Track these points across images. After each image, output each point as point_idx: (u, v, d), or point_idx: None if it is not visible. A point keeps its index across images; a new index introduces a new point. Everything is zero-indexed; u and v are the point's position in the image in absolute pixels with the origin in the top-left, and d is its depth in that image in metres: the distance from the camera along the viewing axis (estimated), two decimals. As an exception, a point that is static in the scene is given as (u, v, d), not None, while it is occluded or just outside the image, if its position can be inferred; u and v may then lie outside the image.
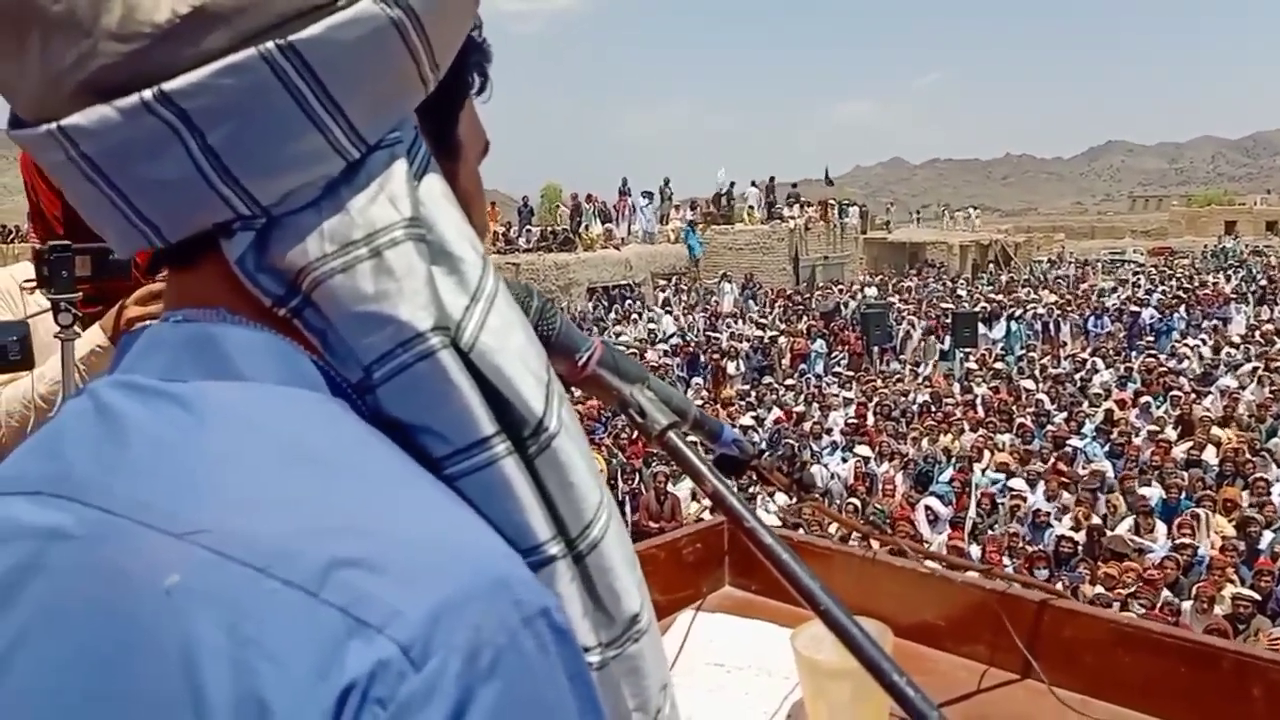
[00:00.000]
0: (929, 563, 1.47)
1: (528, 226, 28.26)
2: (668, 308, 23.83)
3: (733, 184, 31.88)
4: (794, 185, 33.51)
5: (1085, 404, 13.45)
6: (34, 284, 2.39)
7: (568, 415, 0.58)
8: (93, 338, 2.25)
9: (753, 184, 32.30)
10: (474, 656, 0.43)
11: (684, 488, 10.04)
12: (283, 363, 0.53)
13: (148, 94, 0.49)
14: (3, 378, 2.42)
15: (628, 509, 10.32)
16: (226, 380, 0.53)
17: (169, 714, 0.44)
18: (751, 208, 30.92)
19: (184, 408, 0.51)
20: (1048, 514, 9.66)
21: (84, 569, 0.49)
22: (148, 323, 0.58)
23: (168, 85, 0.49)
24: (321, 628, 0.43)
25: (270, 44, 0.49)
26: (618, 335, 20.75)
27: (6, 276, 2.59)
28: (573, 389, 1.01)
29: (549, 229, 27.91)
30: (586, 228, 27.79)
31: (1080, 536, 9.19)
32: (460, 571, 0.46)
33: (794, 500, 1.17)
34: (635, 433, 0.96)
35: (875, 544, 1.52)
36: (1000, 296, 23.56)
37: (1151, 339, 19.08)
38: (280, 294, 0.53)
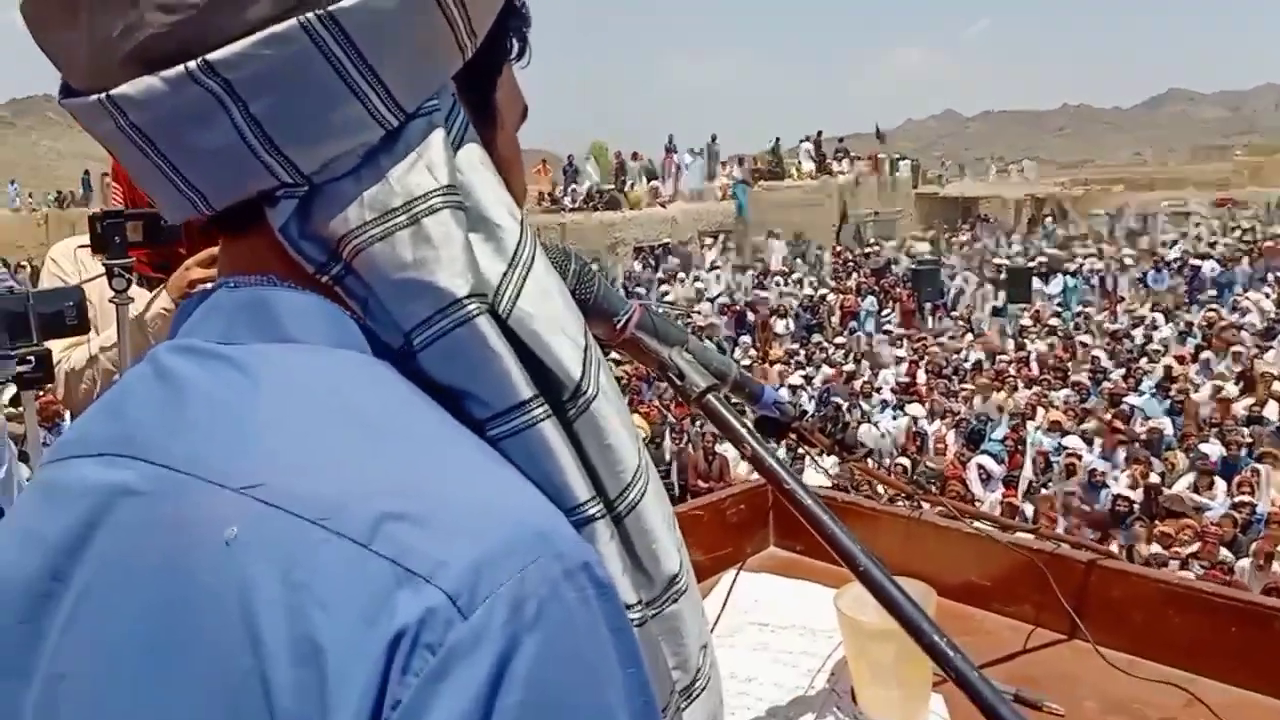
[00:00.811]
0: (976, 523, 1.46)
1: (573, 186, 28.17)
2: (715, 268, 23.68)
3: (778, 139, 31.49)
4: (840, 140, 32.89)
5: (1144, 360, 13.18)
6: (89, 248, 2.45)
7: (606, 380, 0.59)
8: (161, 302, 2.31)
9: (805, 138, 31.88)
10: (519, 606, 0.45)
11: (731, 448, 10.04)
12: (332, 325, 0.55)
13: (192, 64, 0.50)
14: (65, 342, 2.49)
15: (674, 469, 10.36)
16: (279, 343, 0.55)
17: (228, 657, 0.46)
18: (799, 163, 30.54)
19: (239, 370, 0.54)
20: (1103, 473, 9.51)
21: (149, 523, 0.52)
22: (207, 286, 0.60)
23: (212, 56, 0.50)
24: (372, 577, 0.45)
25: (310, 14, 0.50)
26: (664, 294, 20.67)
27: (66, 245, 2.66)
28: (614, 352, 1.02)
29: (596, 188, 27.80)
30: (632, 186, 27.65)
31: (1137, 495, 9.06)
32: (503, 526, 0.47)
33: (838, 461, 1.16)
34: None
35: (923, 504, 1.51)
36: (1056, 251, 23.07)
37: (1213, 293, 18.60)
38: (323, 261, 0.55)
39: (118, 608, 0.51)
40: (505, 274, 0.56)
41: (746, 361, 14.57)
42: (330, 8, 0.50)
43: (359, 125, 0.53)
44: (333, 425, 0.51)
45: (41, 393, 2.80)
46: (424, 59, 0.54)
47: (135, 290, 2.41)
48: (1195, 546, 7.83)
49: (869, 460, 9.54)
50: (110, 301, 2.36)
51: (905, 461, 10.55)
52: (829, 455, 1.16)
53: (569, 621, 0.46)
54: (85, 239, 2.47)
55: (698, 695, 0.63)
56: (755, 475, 1.03)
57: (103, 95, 0.52)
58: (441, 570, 0.45)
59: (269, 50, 0.50)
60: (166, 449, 0.53)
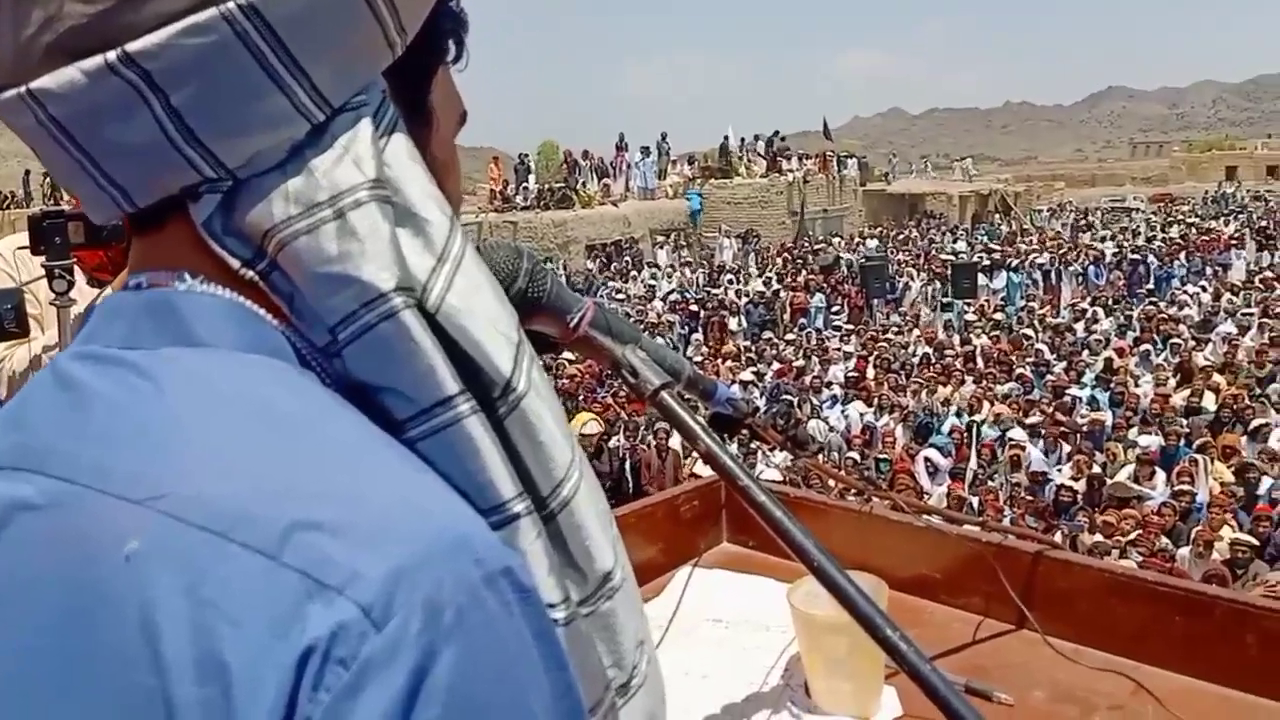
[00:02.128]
0: (925, 516, 1.48)
1: (524, 184, 28.08)
2: (668, 267, 23.73)
3: (726, 138, 31.64)
4: (782, 138, 33.06)
5: (1085, 353, 13.45)
6: (28, 248, 2.39)
7: (538, 375, 0.58)
8: (101, 296, 2.26)
9: (755, 137, 32.07)
10: (435, 615, 0.44)
11: (682, 443, 10.05)
12: (243, 328, 0.54)
13: (111, 55, 0.49)
14: (5, 344, 2.43)
15: (626, 465, 10.36)
16: (186, 347, 0.53)
17: (129, 676, 0.45)
18: (748, 161, 30.72)
19: (142, 375, 0.52)
20: (1044, 472, 9.66)
21: (46, 539, 0.50)
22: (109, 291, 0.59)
23: (131, 46, 0.49)
24: (281, 590, 0.44)
25: (231, 3, 0.49)
26: (616, 292, 20.69)
27: (6, 244, 2.59)
28: (566, 350, 1.01)
29: (546, 186, 27.74)
30: (584, 185, 27.62)
31: (1080, 486, 9.24)
32: (420, 533, 0.46)
33: (790, 457, 1.17)
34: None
35: (872, 499, 1.53)
36: (1000, 247, 23.46)
37: (1151, 286, 19.04)
38: (248, 256, 0.54)
39: (18, 627, 0.49)
40: (434, 269, 0.55)
41: (699, 358, 14.62)
42: None
43: (283, 118, 0.52)
44: (241, 431, 0.49)
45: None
46: (351, 53, 0.54)
47: (83, 290, 2.36)
48: (1134, 535, 8.00)
49: (820, 455, 9.61)
50: (51, 304, 2.31)
51: (855, 455, 10.67)
52: (781, 451, 1.16)
53: (490, 628, 0.45)
54: (24, 239, 2.41)
55: (635, 693, 0.62)
56: (708, 471, 1.03)
57: (23, 89, 0.51)
58: (355, 581, 0.44)
59: (189, 40, 0.49)
60: (66, 461, 0.51)
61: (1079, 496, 9.10)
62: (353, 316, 0.52)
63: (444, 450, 0.53)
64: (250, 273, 0.54)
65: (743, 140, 31.82)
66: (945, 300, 18.25)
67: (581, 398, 12.33)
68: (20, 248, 2.48)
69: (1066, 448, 10.15)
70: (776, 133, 32.36)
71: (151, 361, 0.52)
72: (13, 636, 0.49)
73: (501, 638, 0.46)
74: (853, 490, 1.63)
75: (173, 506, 0.47)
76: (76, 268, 2.40)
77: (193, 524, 0.46)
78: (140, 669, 0.44)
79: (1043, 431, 10.45)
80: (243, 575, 0.44)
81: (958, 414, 11.47)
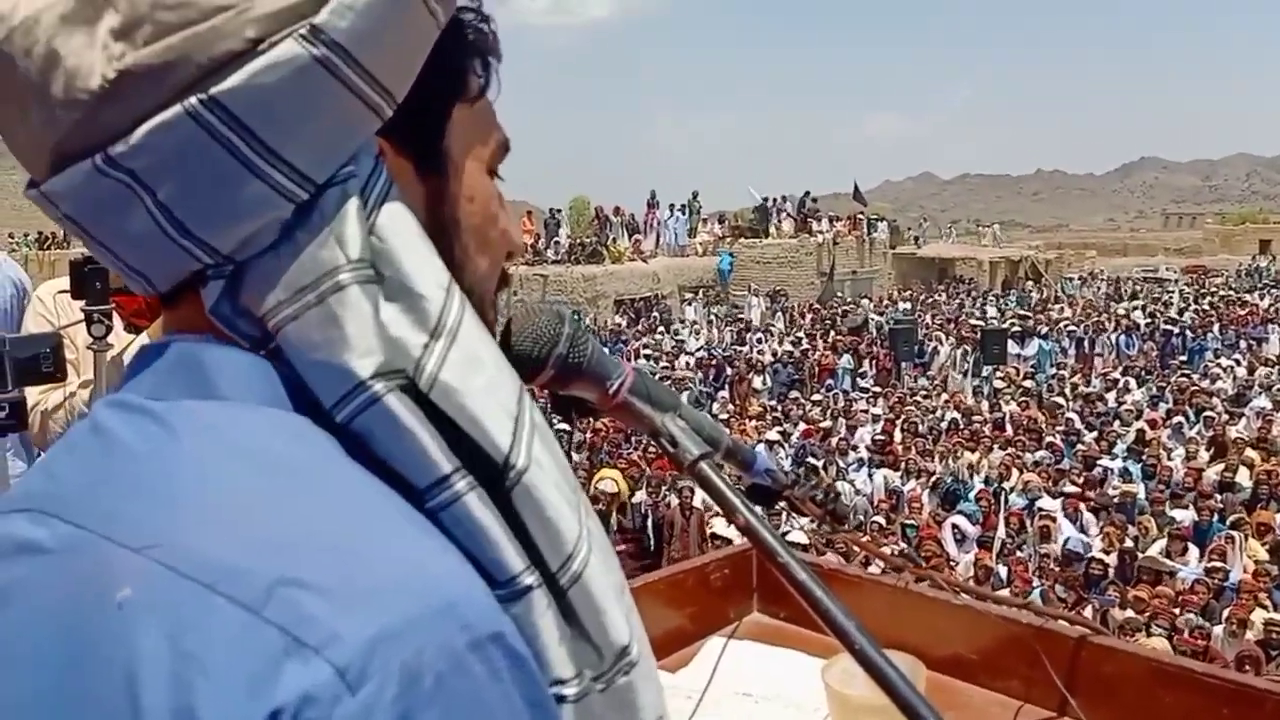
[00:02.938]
0: (963, 595, 1.44)
1: (555, 239, 28.33)
2: (695, 325, 23.78)
3: (766, 199, 31.84)
4: (814, 200, 33.19)
5: (1116, 423, 13.28)
6: (69, 293, 2.42)
7: (541, 447, 0.57)
8: (139, 347, 2.28)
9: (784, 198, 32.24)
10: (414, 681, 0.43)
11: (703, 498, 9.98)
12: (265, 383, 0.54)
13: (98, 159, 0.51)
14: (40, 389, 2.45)
15: (649, 524, 10.26)
16: (204, 399, 0.54)
17: None
18: (779, 222, 30.87)
19: (161, 425, 0.53)
20: (1078, 552, 9.45)
21: (51, 583, 0.51)
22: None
23: (113, 149, 0.51)
24: (260, 645, 0.44)
25: (193, 99, 0.50)
26: (644, 348, 20.72)
27: (49, 287, 2.63)
28: (608, 416, 1.00)
29: (577, 241, 27.98)
30: (615, 240, 27.84)
31: (1111, 559, 9.06)
32: (407, 596, 0.46)
33: (828, 531, 1.15)
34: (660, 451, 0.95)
35: (908, 574, 1.49)
36: (1032, 314, 23.34)
37: (1185, 358, 18.83)
38: (257, 337, 0.55)
39: (15, 667, 0.49)
40: (426, 345, 0.54)
41: (724, 416, 14.56)
42: (212, 90, 0.50)
43: (265, 203, 0.53)
44: (246, 484, 0.50)
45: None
46: (328, 127, 0.53)
47: (120, 335, 2.39)
48: (1160, 611, 7.81)
49: (861, 530, 9.49)
50: (88, 348, 2.33)
51: (880, 520, 10.53)
52: (821, 524, 1.14)
53: (473, 695, 0.45)
54: (65, 283, 2.44)
55: None
56: (734, 533, 1.01)
57: (41, 188, 0.54)
58: (334, 642, 0.43)
59: (159, 138, 0.50)
60: (84, 506, 0.52)
61: (1109, 570, 8.91)
62: (343, 401, 0.53)
63: (454, 526, 0.53)
64: (262, 352, 0.55)
65: (765, 200, 31.96)
66: (974, 366, 18.12)
67: (606, 452, 12.28)
68: (60, 291, 2.52)
69: (1095, 520, 9.97)
70: (807, 193, 32.53)
71: (172, 412, 0.53)
72: (16, 677, 0.49)
73: (487, 705, 0.46)
74: (891, 566, 1.60)
75: (165, 556, 0.47)
76: (114, 312, 2.42)
77: (183, 574, 0.46)
78: (120, 717, 0.44)
79: (1073, 503, 10.26)
80: (224, 628, 0.44)
81: (985, 481, 11.31)
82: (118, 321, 2.45)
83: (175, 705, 0.43)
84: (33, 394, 2.41)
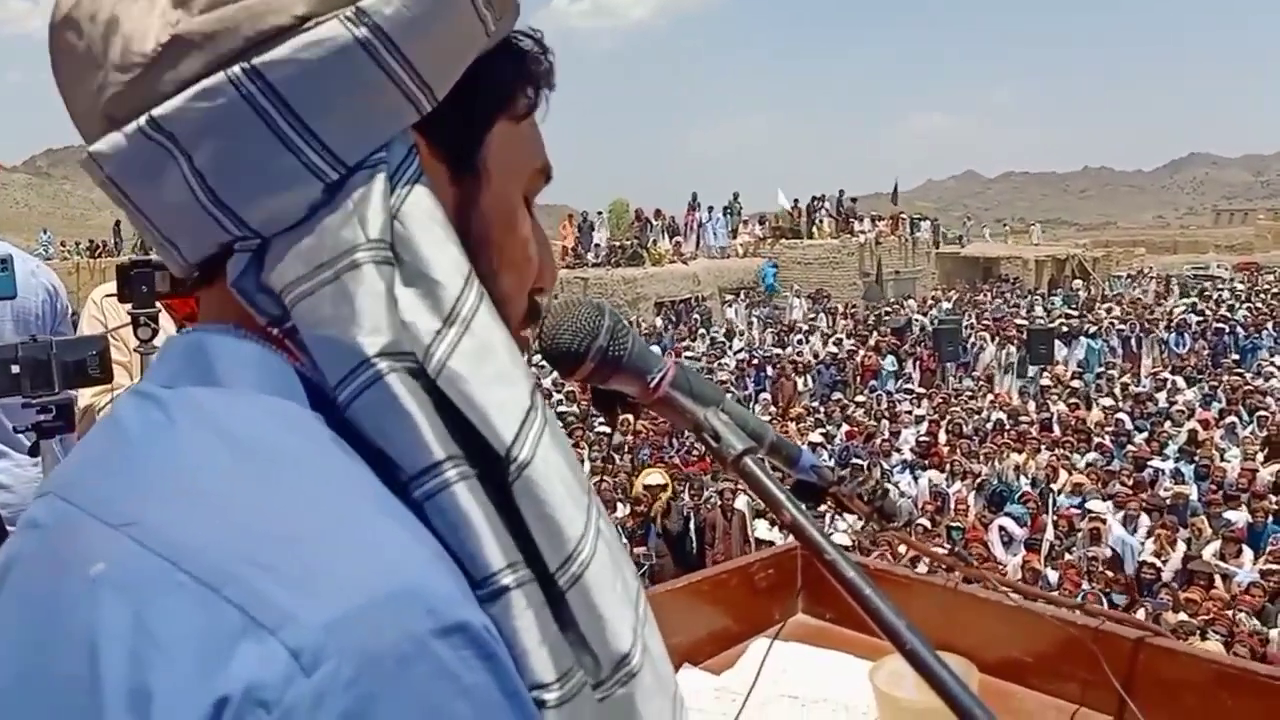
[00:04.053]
0: (1015, 595, 1.41)
1: (592, 241, 28.37)
2: (738, 327, 23.71)
3: (796, 201, 31.68)
4: (853, 200, 32.93)
5: (1167, 424, 13.02)
6: (115, 296, 2.46)
7: (550, 445, 0.56)
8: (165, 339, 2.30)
9: (823, 197, 32.06)
10: (371, 664, 0.43)
11: (745, 500, 9.93)
12: (265, 372, 0.55)
13: (142, 120, 0.53)
14: (89, 391, 2.49)
15: (690, 524, 10.24)
16: (205, 386, 0.55)
17: (72, 696, 0.45)
18: (820, 222, 30.70)
19: (162, 410, 0.54)
20: (1122, 549, 9.30)
21: (39, 557, 0.53)
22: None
23: (156, 111, 0.52)
24: (216, 624, 0.44)
25: (237, 67, 0.51)
26: (685, 349, 20.70)
27: (98, 294, 2.67)
28: (649, 410, 0.98)
29: (618, 243, 28.02)
30: (655, 243, 27.83)
31: (1162, 563, 8.88)
32: (370, 583, 0.45)
33: (876, 529, 1.12)
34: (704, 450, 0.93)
35: (958, 574, 1.46)
36: (1078, 313, 22.97)
37: (1237, 357, 18.44)
38: (276, 314, 0.55)
39: (5, 637, 0.51)
40: (439, 332, 0.54)
41: (766, 417, 14.50)
42: (255, 60, 0.51)
43: (295, 178, 0.53)
44: (228, 467, 0.50)
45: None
46: (363, 111, 0.54)
47: (172, 337, 2.41)
48: (1212, 614, 7.65)
49: (909, 528, 9.39)
50: (135, 351, 2.36)
51: (925, 522, 10.41)
52: (868, 522, 1.11)
53: (436, 681, 0.44)
54: (113, 287, 2.48)
55: None
56: (776, 535, 0.99)
57: (88, 149, 0.56)
58: (289, 623, 0.43)
59: (202, 104, 0.52)
60: (81, 488, 0.54)
61: (1160, 573, 8.74)
62: (346, 379, 0.53)
63: (438, 516, 0.52)
64: (277, 330, 0.55)
65: (796, 202, 31.79)
66: (1020, 366, 17.86)
67: (649, 454, 12.27)
68: (109, 295, 2.55)
69: (1148, 522, 9.78)
70: (842, 192, 32.30)
71: (174, 398, 0.55)
72: (4, 646, 0.50)
73: (449, 694, 0.45)
74: (941, 566, 1.56)
75: (140, 533, 0.48)
76: (166, 315, 2.45)
77: (154, 551, 0.47)
78: (81, 690, 0.45)
79: (1125, 505, 10.08)
80: (183, 606, 0.45)
81: (1032, 483, 11.15)
82: (170, 324, 2.48)
83: (132, 681, 0.44)
84: (85, 396, 2.45)
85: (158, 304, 2.39)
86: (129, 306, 2.38)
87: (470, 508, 0.52)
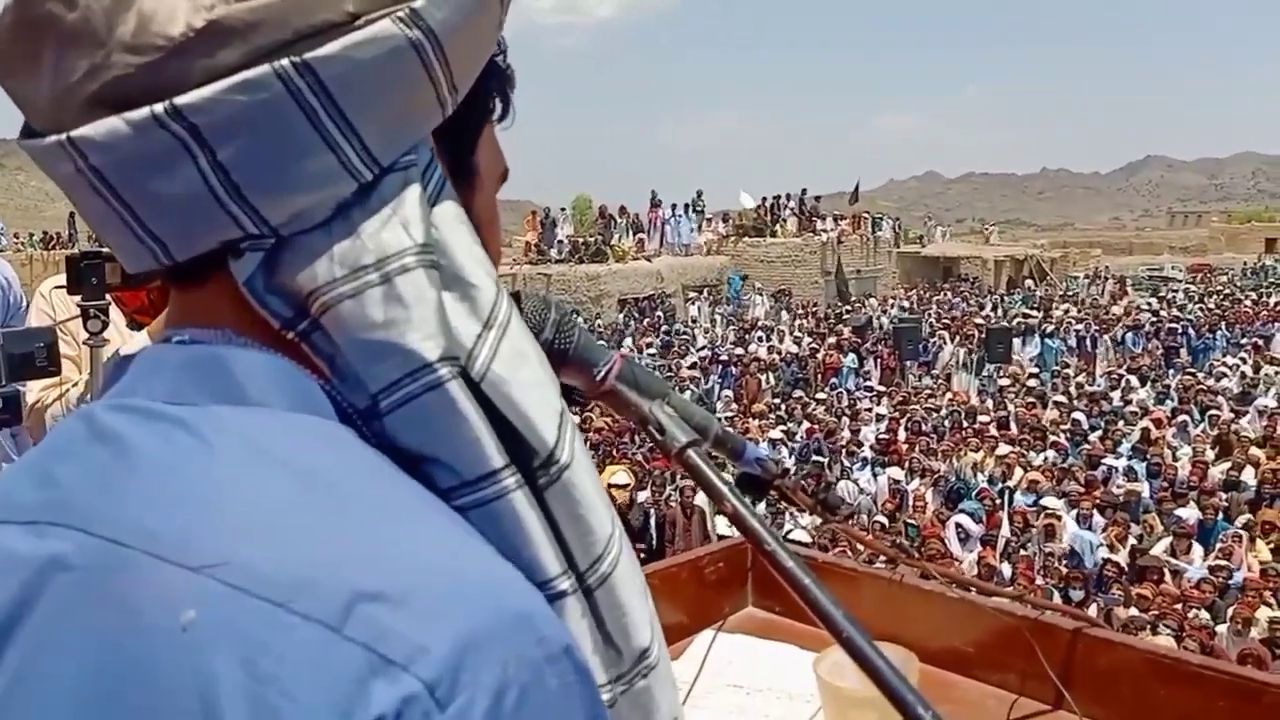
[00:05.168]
0: (957, 587, 1.43)
1: (554, 238, 28.30)
2: (701, 324, 23.77)
3: (764, 200, 31.84)
4: (816, 198, 33.17)
5: (1121, 423, 13.24)
6: (64, 288, 2.42)
7: (579, 446, 0.57)
8: (142, 343, 2.27)
9: (787, 196, 32.24)
10: (501, 694, 0.43)
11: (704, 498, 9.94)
12: (292, 388, 0.52)
13: (159, 107, 0.48)
14: (39, 384, 2.45)
15: (650, 522, 10.26)
16: (233, 405, 0.52)
17: None
18: (783, 220, 30.89)
19: (190, 432, 0.50)
20: (1080, 545, 9.45)
21: (87, 602, 0.47)
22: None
23: (180, 99, 0.48)
24: (344, 665, 0.42)
25: (285, 61, 0.49)
26: (647, 346, 20.71)
27: (46, 285, 2.63)
28: (595, 403, 0.99)
29: (581, 240, 27.99)
30: (618, 239, 27.84)
31: (1120, 558, 9.03)
32: (483, 606, 0.45)
33: (819, 521, 1.14)
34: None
35: (903, 567, 1.48)
36: (1036, 313, 23.28)
37: (1189, 357, 18.77)
38: (289, 316, 0.53)
39: (56, 697, 0.46)
40: (480, 335, 0.53)
41: (729, 414, 14.53)
42: (306, 55, 0.49)
43: (331, 177, 0.51)
44: (294, 493, 0.48)
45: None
46: (402, 112, 0.53)
47: (123, 332, 2.38)
48: (1164, 610, 7.79)
49: (852, 520, 9.45)
50: (84, 344, 2.33)
51: (883, 519, 10.51)
52: (811, 514, 1.13)
53: (550, 709, 0.44)
54: (64, 279, 2.44)
55: None
56: (735, 531, 1.00)
57: (63, 136, 0.50)
58: (420, 656, 0.42)
59: (241, 96, 0.48)
60: (109, 519, 0.49)
61: (1122, 572, 8.88)
62: (396, 385, 0.51)
63: (489, 524, 0.51)
64: (291, 333, 0.53)
65: (765, 199, 31.98)
66: (977, 364, 18.07)
67: (606, 452, 12.27)
68: (57, 287, 2.51)
69: (1101, 519, 9.94)
70: (805, 191, 32.52)
71: (200, 418, 0.51)
72: (57, 706, 0.46)
73: (568, 712, 0.45)
74: (882, 557, 1.59)
75: (229, 575, 0.45)
76: (117, 309, 2.42)
77: (251, 594, 0.44)
78: None
79: (1079, 502, 10.23)
80: (303, 649, 0.42)
81: (990, 480, 11.29)
82: (120, 318, 2.45)
83: None
84: (33, 391, 2.41)
85: (108, 296, 2.36)
86: (79, 299, 2.35)
87: (528, 514, 0.52)
